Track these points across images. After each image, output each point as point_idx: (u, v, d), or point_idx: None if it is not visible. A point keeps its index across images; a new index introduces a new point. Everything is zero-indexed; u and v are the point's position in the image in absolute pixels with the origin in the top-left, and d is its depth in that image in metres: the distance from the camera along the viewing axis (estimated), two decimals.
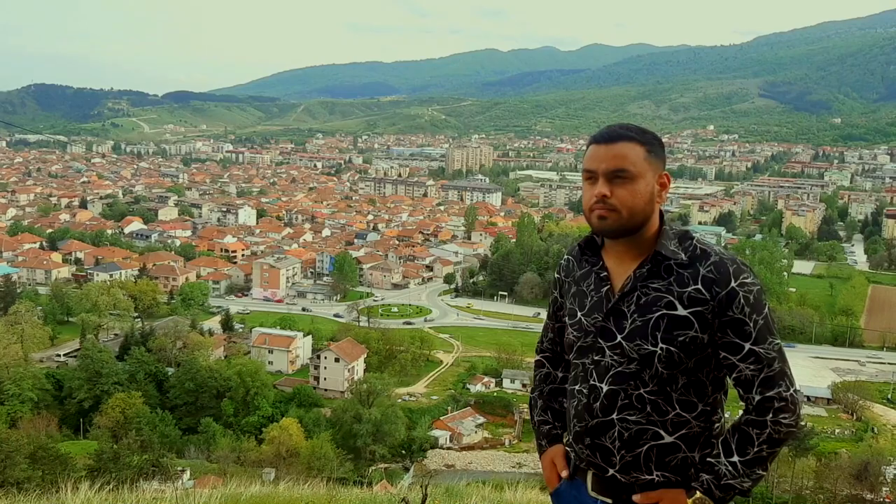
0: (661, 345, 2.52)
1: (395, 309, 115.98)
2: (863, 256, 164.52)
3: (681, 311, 2.51)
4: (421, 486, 5.98)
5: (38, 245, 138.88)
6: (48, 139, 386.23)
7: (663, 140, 2.70)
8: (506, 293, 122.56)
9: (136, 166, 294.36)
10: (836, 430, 71.59)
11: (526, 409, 75.90)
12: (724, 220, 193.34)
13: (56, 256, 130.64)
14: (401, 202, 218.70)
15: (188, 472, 44.12)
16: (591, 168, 2.58)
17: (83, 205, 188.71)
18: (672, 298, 2.52)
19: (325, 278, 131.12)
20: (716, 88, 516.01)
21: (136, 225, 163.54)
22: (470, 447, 68.87)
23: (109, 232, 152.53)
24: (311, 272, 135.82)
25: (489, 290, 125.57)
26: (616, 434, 2.61)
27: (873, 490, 53.21)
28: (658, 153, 2.61)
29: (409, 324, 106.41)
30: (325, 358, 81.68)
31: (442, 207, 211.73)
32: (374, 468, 60.66)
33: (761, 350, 2.48)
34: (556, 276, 2.95)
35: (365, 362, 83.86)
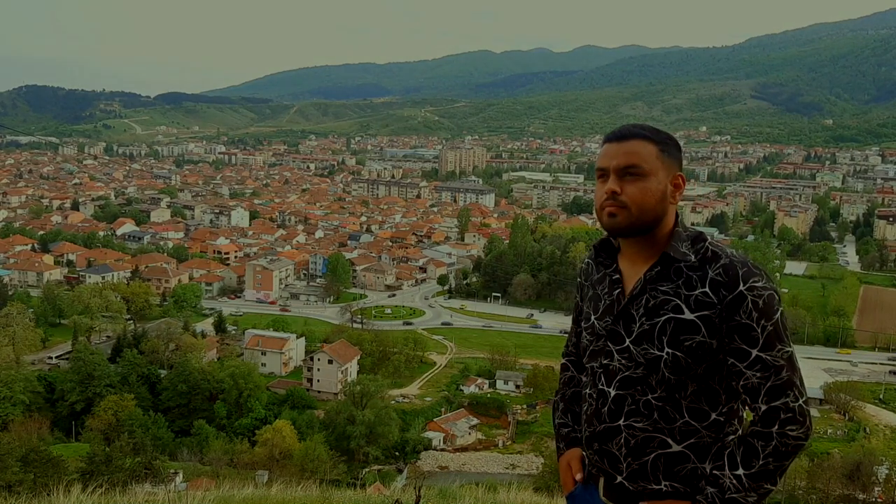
0: (667, 349, 2.46)
1: (389, 310, 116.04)
2: (854, 257, 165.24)
3: (688, 315, 2.44)
4: (414, 488, 5.99)
5: (29, 247, 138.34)
6: (39, 141, 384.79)
7: None
8: (499, 294, 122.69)
9: (128, 168, 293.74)
10: (829, 431, 71.78)
11: (519, 410, 76.23)
12: (717, 222, 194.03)
13: (48, 258, 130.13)
14: (394, 203, 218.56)
15: (181, 475, 43.99)
16: (602, 166, 2.56)
17: (75, 206, 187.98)
18: (679, 302, 2.46)
19: (318, 280, 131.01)
20: (708, 90, 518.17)
21: (128, 227, 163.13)
22: (463, 448, 68.81)
23: (101, 234, 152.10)
24: (305, 274, 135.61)
25: (482, 291, 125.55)
26: (623, 441, 2.56)
27: (865, 490, 53.35)
28: (672, 153, 2.56)
29: (409, 324, 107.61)
30: (319, 360, 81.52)
31: (435, 209, 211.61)
32: (367, 470, 60.56)
33: (768, 357, 2.39)
34: (578, 279, 2.95)
35: (358, 364, 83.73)
